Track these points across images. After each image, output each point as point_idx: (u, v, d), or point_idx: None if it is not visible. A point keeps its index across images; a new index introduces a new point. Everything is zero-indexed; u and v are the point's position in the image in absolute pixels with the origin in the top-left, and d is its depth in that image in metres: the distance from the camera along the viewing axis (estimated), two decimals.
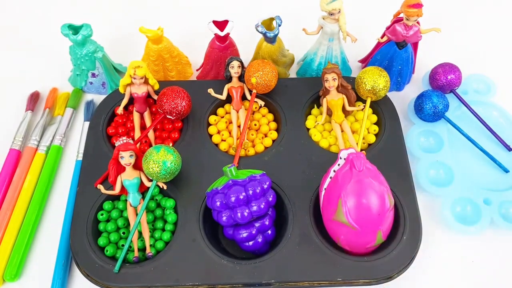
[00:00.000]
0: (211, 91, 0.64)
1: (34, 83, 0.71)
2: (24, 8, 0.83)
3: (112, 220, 0.55)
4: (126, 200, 0.56)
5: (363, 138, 0.61)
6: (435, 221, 0.59)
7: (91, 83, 0.69)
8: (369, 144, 0.62)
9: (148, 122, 0.62)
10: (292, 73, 0.73)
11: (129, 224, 0.55)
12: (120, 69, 0.72)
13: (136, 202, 0.55)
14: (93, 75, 0.68)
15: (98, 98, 0.69)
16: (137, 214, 0.54)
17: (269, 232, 0.52)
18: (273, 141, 0.62)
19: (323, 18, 0.63)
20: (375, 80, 0.60)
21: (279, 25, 0.62)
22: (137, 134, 0.61)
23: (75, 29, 0.63)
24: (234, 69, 0.63)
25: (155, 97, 0.62)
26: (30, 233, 0.57)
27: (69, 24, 0.63)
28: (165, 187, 0.55)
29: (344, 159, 0.52)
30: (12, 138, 0.64)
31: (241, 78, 0.64)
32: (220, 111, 0.65)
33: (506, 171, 0.62)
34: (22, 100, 0.69)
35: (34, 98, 0.68)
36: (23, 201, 0.59)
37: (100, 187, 0.55)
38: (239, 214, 0.49)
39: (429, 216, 0.59)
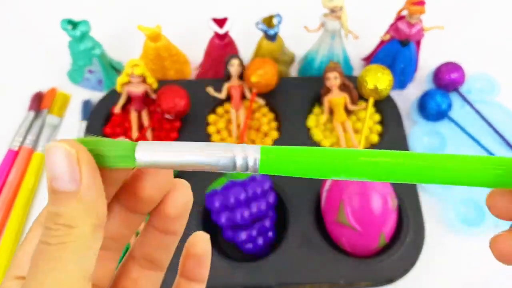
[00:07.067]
0: (210, 90, 0.63)
1: (34, 82, 0.69)
2: (26, 6, 0.82)
3: None
4: None
5: (366, 138, 0.60)
6: (439, 223, 0.58)
7: (87, 79, 0.68)
8: (372, 144, 0.61)
9: (146, 122, 0.61)
10: (293, 72, 0.72)
11: None
12: (119, 68, 0.70)
13: None
14: (90, 71, 0.67)
15: (95, 97, 0.68)
16: None
17: (270, 234, 0.52)
18: (274, 140, 0.61)
19: (325, 16, 0.62)
20: (378, 79, 0.59)
21: (280, 23, 0.62)
22: (135, 133, 0.60)
23: (75, 25, 0.62)
24: (234, 68, 0.62)
25: (153, 96, 0.61)
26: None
27: (69, 20, 0.62)
28: None
29: None
30: (12, 138, 0.63)
31: (241, 76, 0.63)
32: (220, 110, 0.64)
33: None
34: (22, 99, 0.67)
35: (38, 99, 0.67)
36: (20, 202, 0.58)
37: None
38: (238, 216, 0.48)
39: (433, 218, 0.58)
